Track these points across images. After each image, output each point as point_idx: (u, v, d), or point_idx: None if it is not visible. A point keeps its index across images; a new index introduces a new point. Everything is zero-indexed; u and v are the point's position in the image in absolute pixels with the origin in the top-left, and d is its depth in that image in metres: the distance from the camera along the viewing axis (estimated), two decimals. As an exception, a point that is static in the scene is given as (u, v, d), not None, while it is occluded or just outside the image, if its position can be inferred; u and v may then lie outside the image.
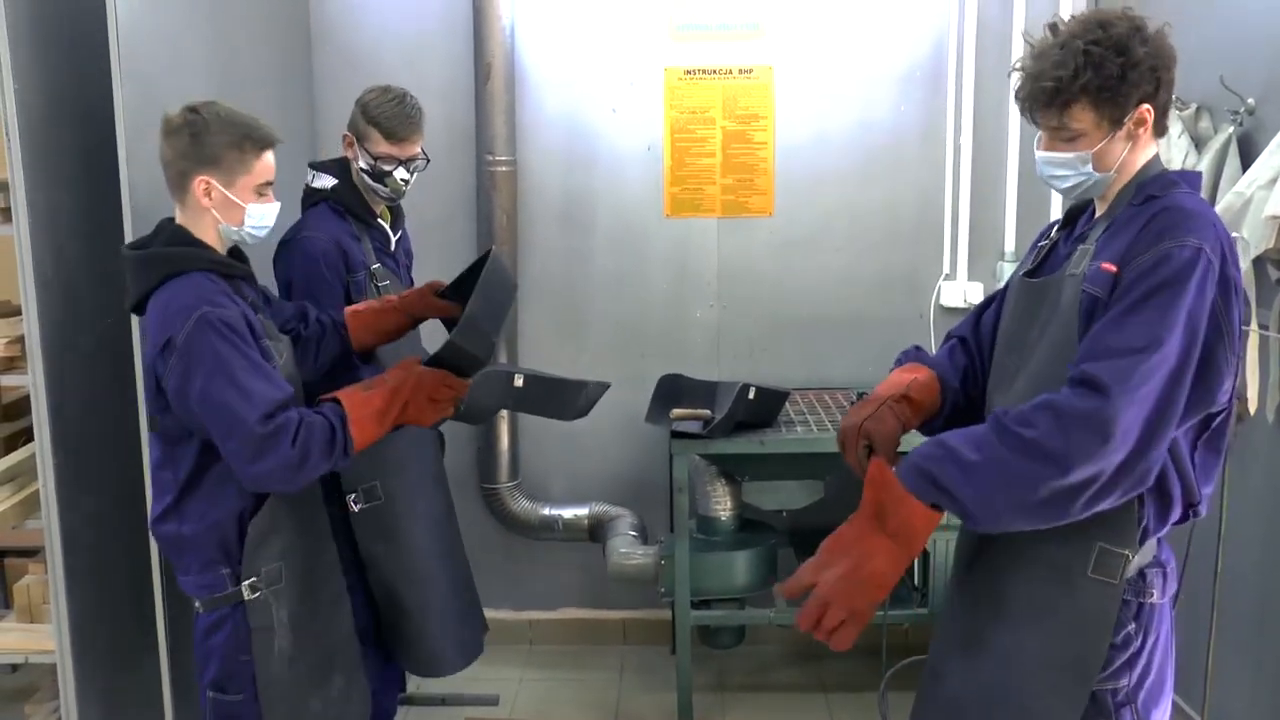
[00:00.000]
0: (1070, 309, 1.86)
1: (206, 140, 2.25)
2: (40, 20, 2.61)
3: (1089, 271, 1.85)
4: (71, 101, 2.71)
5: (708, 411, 3.62)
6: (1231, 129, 2.83)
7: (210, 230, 2.32)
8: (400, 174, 2.94)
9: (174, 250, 2.29)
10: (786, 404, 3.76)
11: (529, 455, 4.26)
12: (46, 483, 2.63)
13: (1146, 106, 1.84)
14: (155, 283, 2.26)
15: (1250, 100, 2.80)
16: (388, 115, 2.90)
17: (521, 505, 4.21)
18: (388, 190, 2.96)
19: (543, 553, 4.32)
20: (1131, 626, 1.87)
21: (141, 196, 2.63)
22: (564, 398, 2.73)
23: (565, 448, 4.24)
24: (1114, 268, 1.80)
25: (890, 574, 1.81)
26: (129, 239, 2.58)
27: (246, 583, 2.30)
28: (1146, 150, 1.90)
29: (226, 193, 2.28)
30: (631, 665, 4.21)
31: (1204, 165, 2.87)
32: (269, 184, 2.34)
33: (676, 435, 3.57)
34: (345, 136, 2.96)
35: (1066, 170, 1.90)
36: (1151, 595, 1.88)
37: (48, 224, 2.61)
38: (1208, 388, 1.78)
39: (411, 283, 3.17)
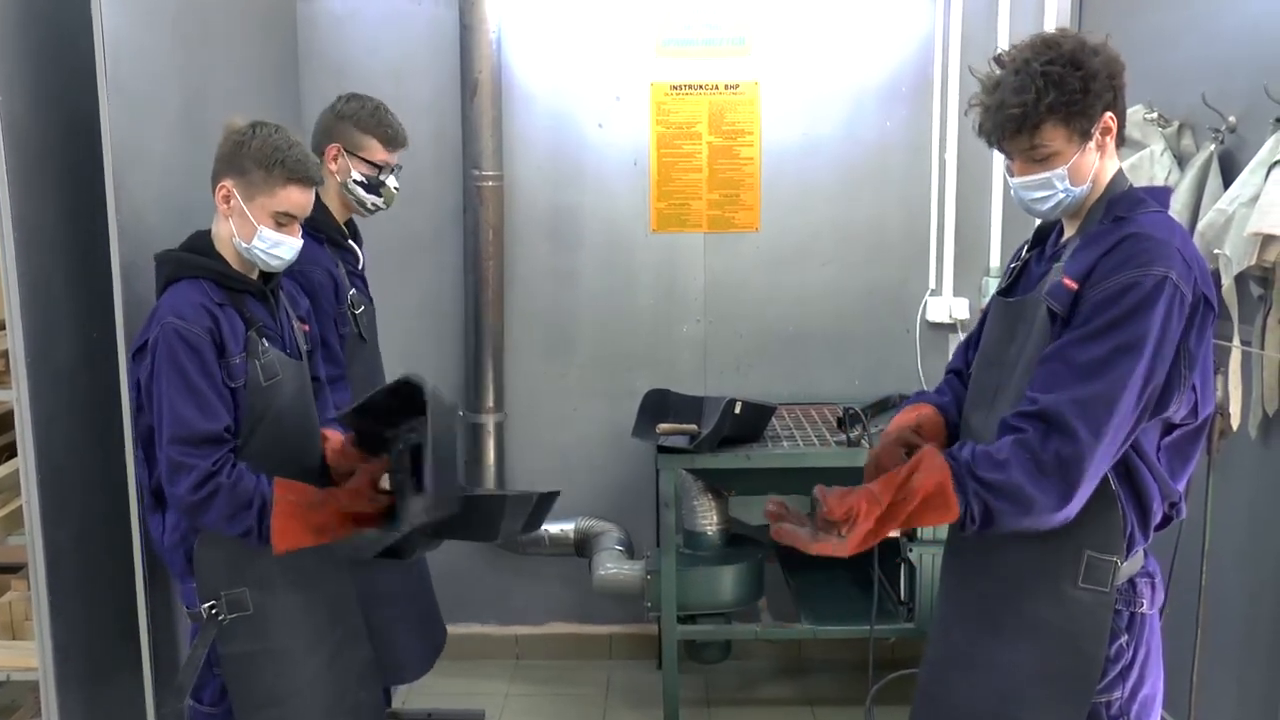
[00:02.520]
0: (1043, 328, 1.89)
1: (243, 151, 2.32)
2: (27, 34, 2.61)
3: (1050, 286, 1.88)
4: (58, 115, 2.70)
5: (694, 426, 3.62)
6: (1213, 147, 2.85)
7: (227, 247, 2.38)
8: (392, 181, 2.94)
9: (183, 255, 2.36)
10: (773, 419, 3.76)
11: (516, 470, 4.26)
12: (30, 499, 2.61)
13: (1110, 115, 1.89)
14: (162, 285, 2.34)
15: (1231, 118, 2.82)
16: (385, 123, 2.91)
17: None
18: (381, 199, 2.94)
19: (529, 567, 4.31)
20: (1124, 638, 1.89)
21: (128, 210, 2.62)
22: (485, 517, 2.40)
23: (552, 463, 4.23)
24: (1074, 285, 1.83)
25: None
26: (115, 253, 2.57)
27: (204, 605, 2.31)
28: (1110, 163, 1.94)
29: (244, 205, 2.32)
30: (618, 680, 4.19)
31: (1186, 182, 2.89)
32: (291, 217, 2.36)
33: (663, 450, 3.57)
34: (329, 150, 2.91)
35: (1044, 191, 1.92)
36: (1142, 605, 1.90)
37: (33, 237, 2.60)
38: (1157, 404, 1.82)
39: (371, 299, 3.11)
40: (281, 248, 2.37)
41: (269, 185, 2.32)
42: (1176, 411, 1.85)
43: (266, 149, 2.31)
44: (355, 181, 2.90)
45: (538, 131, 4.13)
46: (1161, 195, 1.96)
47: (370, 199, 2.93)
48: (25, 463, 2.60)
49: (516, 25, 4.06)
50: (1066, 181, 1.90)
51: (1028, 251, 2.10)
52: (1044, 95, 1.83)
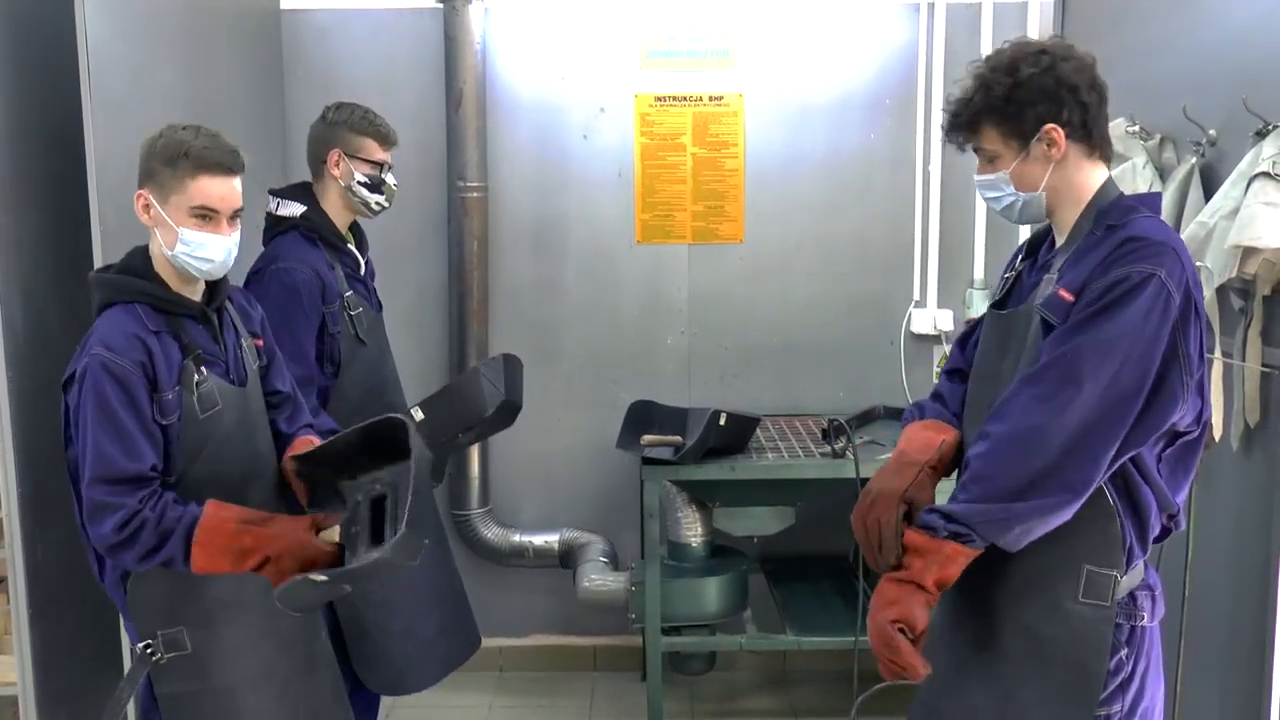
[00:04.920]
0: (1036, 341, 1.89)
1: (151, 154, 2.17)
2: (9, 44, 2.60)
3: (1045, 298, 1.89)
4: (42, 126, 2.69)
5: (679, 438, 3.62)
6: (1194, 159, 2.87)
7: (162, 263, 2.22)
8: (391, 179, 2.99)
9: (116, 277, 2.21)
10: (758, 430, 3.77)
11: (500, 481, 4.25)
12: (10, 512, 2.59)
13: (1051, 126, 1.87)
14: (97, 309, 2.20)
15: (1212, 131, 2.84)
16: (377, 122, 2.96)
17: (492, 532, 4.19)
18: (383, 198, 2.98)
19: (513, 579, 4.29)
20: (1125, 651, 1.88)
21: (111, 222, 2.61)
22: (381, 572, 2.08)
23: (536, 474, 4.23)
24: (1071, 297, 1.84)
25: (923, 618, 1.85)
26: (98, 264, 2.56)
27: (140, 644, 2.20)
28: (1090, 174, 1.93)
29: (161, 210, 2.15)
30: (602, 692, 4.18)
31: (1168, 195, 2.91)
32: (212, 210, 2.16)
33: (647, 461, 3.57)
34: (330, 156, 2.93)
35: (995, 191, 1.98)
36: (1142, 618, 1.90)
37: (15, 248, 2.59)
38: (1158, 410, 1.80)
39: (380, 306, 3.14)
40: (207, 248, 2.17)
41: (178, 181, 2.14)
42: (1182, 419, 1.84)
43: (170, 145, 2.15)
44: (359, 183, 2.93)
45: (522, 142, 4.13)
46: (1152, 201, 1.96)
47: (374, 198, 2.96)
48: (6, 476, 2.58)
49: (501, 37, 4.07)
50: (1010, 186, 1.94)
51: (1021, 261, 2.10)
52: (974, 97, 1.91)
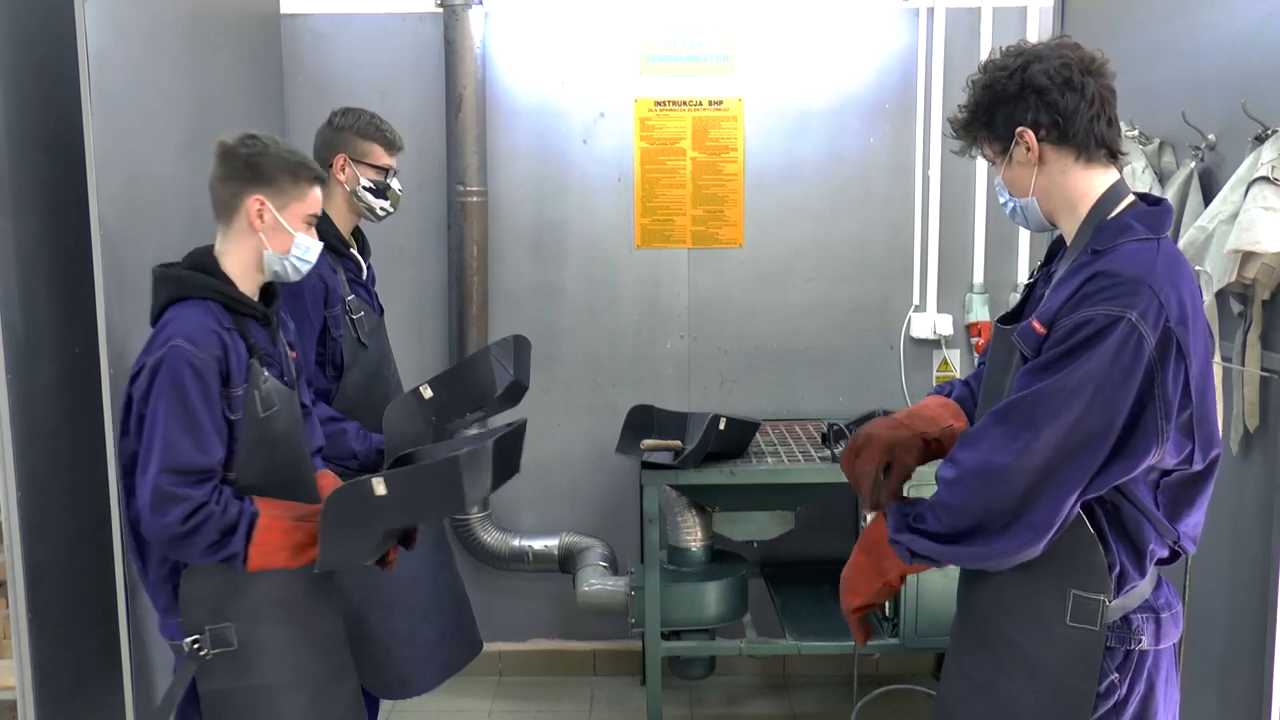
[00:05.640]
0: (1017, 367, 1.88)
1: (263, 162, 2.27)
2: (10, 49, 2.60)
3: (1021, 327, 1.88)
4: (41, 130, 2.69)
5: (678, 442, 3.62)
6: (1193, 164, 2.87)
7: (246, 260, 2.30)
8: (396, 184, 3.03)
9: (186, 274, 2.27)
10: (757, 435, 3.77)
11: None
12: (9, 515, 2.59)
13: (1021, 128, 1.87)
14: (163, 304, 2.26)
15: (1211, 136, 2.85)
16: (383, 128, 3.00)
17: (492, 536, 4.19)
18: (388, 203, 3.01)
19: (513, 584, 4.29)
20: (1115, 675, 1.86)
21: (111, 225, 2.61)
22: (452, 480, 2.20)
23: (536, 479, 4.22)
24: (1042, 329, 1.82)
25: (863, 588, 2.01)
26: (98, 269, 2.56)
27: (188, 640, 2.23)
28: (1083, 179, 1.89)
29: (278, 215, 2.28)
30: (601, 696, 4.18)
31: (1168, 199, 2.91)
32: (315, 218, 2.35)
33: (647, 466, 3.57)
34: (336, 161, 2.94)
35: (1001, 196, 2.00)
36: (1140, 642, 1.87)
37: (15, 251, 2.58)
38: (1130, 454, 1.76)
39: (381, 310, 3.16)
40: (312, 251, 2.36)
41: (298, 189, 2.30)
42: (1163, 460, 1.80)
43: (287, 155, 2.29)
44: (365, 188, 2.97)
45: (522, 147, 4.13)
46: (1155, 220, 1.86)
47: (380, 203, 3.00)
48: (5, 479, 2.58)
49: (501, 41, 4.07)
50: (1006, 189, 1.96)
51: (1040, 269, 2.07)
52: (965, 103, 1.94)
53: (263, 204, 2.26)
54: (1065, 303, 1.80)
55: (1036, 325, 1.83)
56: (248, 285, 2.32)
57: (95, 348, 2.62)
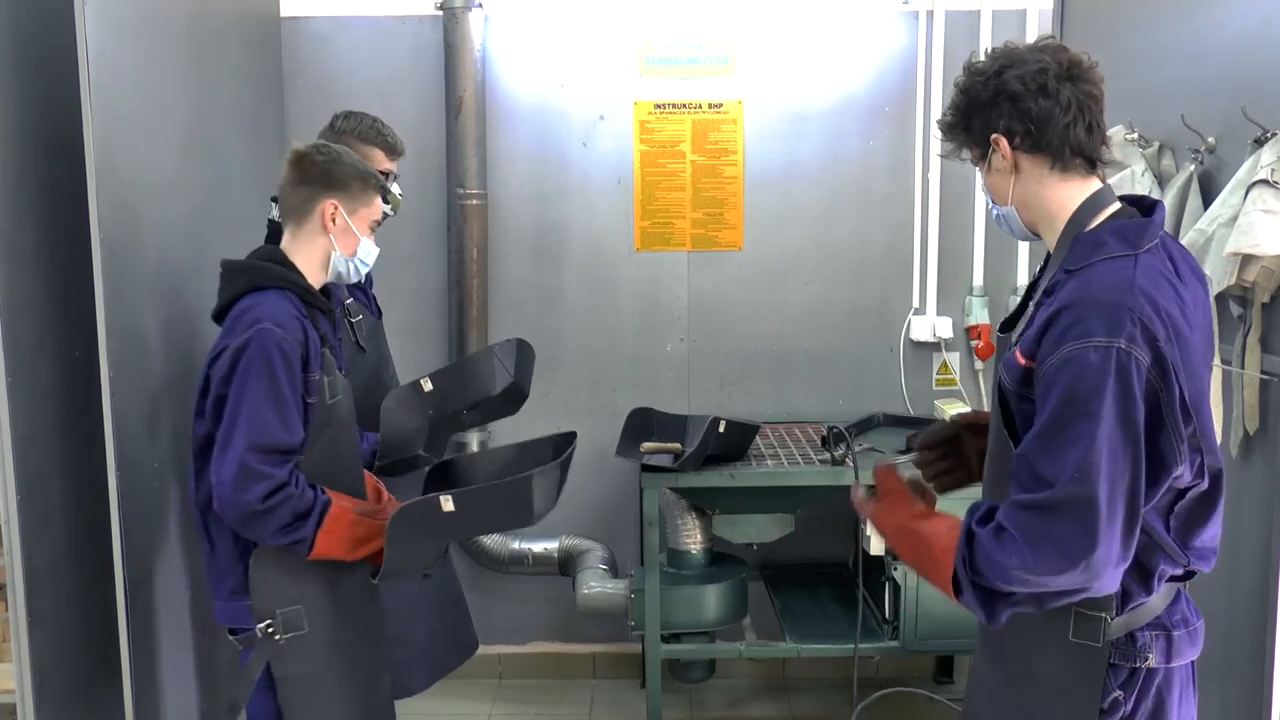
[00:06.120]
0: (997, 397, 1.86)
1: (337, 169, 2.41)
2: (10, 52, 2.60)
3: (1006, 358, 1.84)
4: (41, 132, 2.69)
5: (678, 445, 3.62)
6: (1193, 167, 2.87)
7: (315, 260, 2.43)
8: (396, 188, 3.06)
9: (265, 265, 2.38)
10: (757, 438, 3.77)
11: (499, 488, 4.24)
12: (9, 518, 2.58)
13: (995, 135, 1.84)
14: (239, 292, 2.35)
15: (1210, 139, 2.85)
16: (384, 132, 3.04)
17: (492, 539, 4.19)
18: (388, 206, 3.02)
19: (513, 586, 4.29)
20: (1119, 693, 1.84)
21: (111, 228, 2.61)
22: (514, 501, 2.42)
23: (535, 481, 4.22)
24: (1025, 361, 1.78)
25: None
26: (99, 272, 2.56)
27: (261, 624, 2.29)
28: (1059, 190, 1.84)
29: (349, 220, 2.42)
30: (601, 699, 4.18)
31: (1166, 202, 2.91)
32: (378, 224, 2.51)
33: (647, 469, 3.57)
34: None
35: (987, 202, 1.98)
36: (1146, 660, 1.84)
37: (14, 255, 2.58)
38: (1151, 479, 1.72)
39: (379, 312, 3.17)
40: (372, 255, 2.50)
41: (367, 196, 2.45)
42: (1180, 478, 1.76)
43: (358, 164, 2.45)
44: None
45: (522, 150, 4.14)
46: (1132, 233, 1.78)
47: (380, 206, 2.99)
48: (4, 482, 2.58)
49: (501, 44, 4.08)
50: (989, 197, 1.94)
51: (1040, 271, 2.06)
52: (949, 107, 1.93)
53: (336, 208, 2.40)
54: (1043, 335, 1.75)
55: (1019, 357, 1.79)
56: (313, 283, 2.45)
57: (95, 350, 2.62)
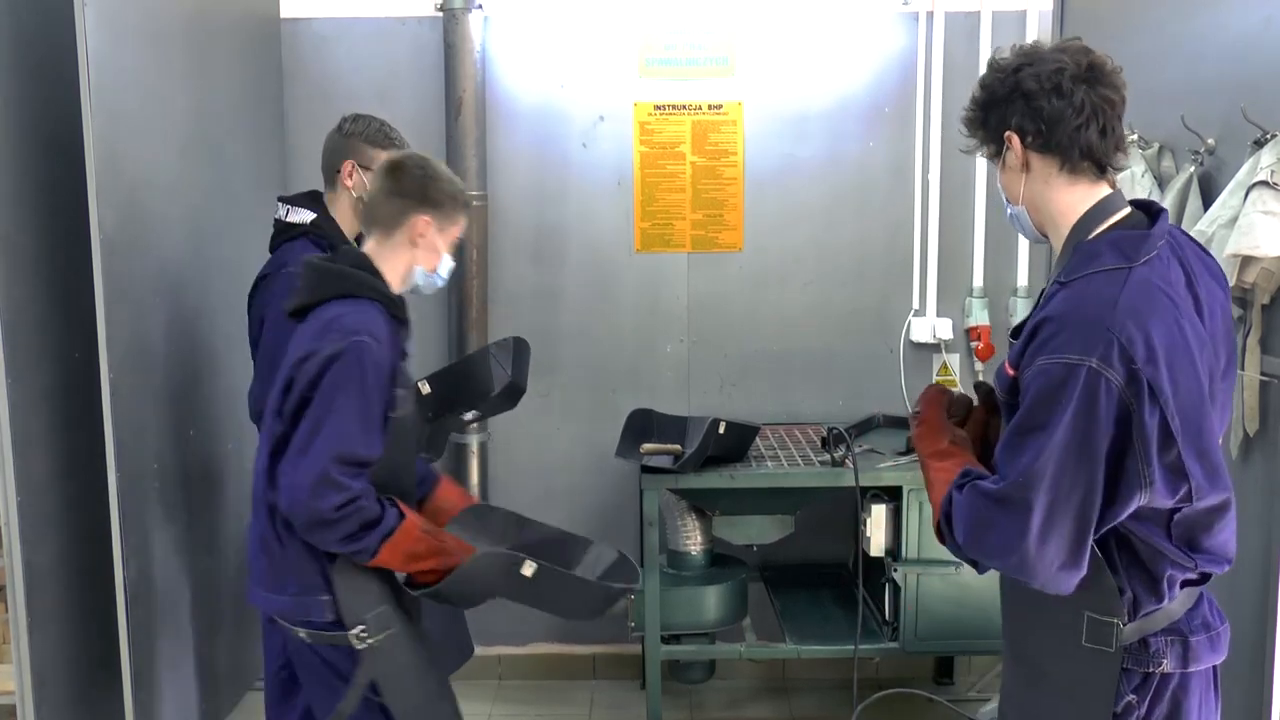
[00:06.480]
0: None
1: (434, 187, 2.42)
2: (10, 54, 2.60)
3: (997, 369, 1.91)
4: (40, 134, 2.69)
5: (678, 446, 3.62)
6: (1193, 168, 2.88)
7: (398, 271, 2.42)
8: None
9: (359, 273, 2.37)
10: (757, 439, 3.77)
11: (499, 489, 4.24)
12: (9, 520, 2.59)
13: (1009, 133, 1.85)
14: (327, 296, 2.34)
15: (1210, 140, 2.85)
16: (392, 138, 3.01)
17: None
18: None
19: (512, 588, 4.28)
20: (1132, 697, 1.84)
21: (111, 230, 2.61)
22: (576, 597, 2.51)
23: (535, 482, 4.22)
24: (1011, 371, 1.83)
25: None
26: (98, 272, 2.56)
27: (354, 630, 2.30)
28: (1067, 193, 1.85)
29: (438, 237, 2.43)
30: (601, 700, 4.18)
31: (1166, 204, 2.91)
32: (457, 243, 2.53)
33: (646, 470, 3.57)
34: (344, 166, 2.95)
35: (1004, 199, 1.98)
36: (1161, 665, 1.83)
37: (13, 256, 2.58)
38: (1114, 499, 1.74)
39: None
40: (449, 271, 2.53)
41: (456, 215, 2.47)
42: (1153, 501, 1.76)
43: (454, 181, 2.47)
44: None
45: (522, 151, 4.13)
46: (1131, 245, 1.78)
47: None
48: (5, 483, 2.58)
49: (501, 45, 4.08)
50: (1003, 195, 1.95)
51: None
52: (970, 101, 1.94)
53: (428, 224, 2.41)
54: (1029, 348, 1.77)
55: (1007, 368, 1.85)
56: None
57: (95, 351, 2.63)
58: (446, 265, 2.51)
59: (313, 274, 2.39)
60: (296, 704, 2.50)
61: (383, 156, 2.98)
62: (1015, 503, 1.74)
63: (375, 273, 2.39)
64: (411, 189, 2.41)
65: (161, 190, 2.96)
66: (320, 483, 2.18)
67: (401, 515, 2.28)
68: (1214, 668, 1.92)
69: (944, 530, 1.88)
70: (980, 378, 4.20)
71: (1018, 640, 1.99)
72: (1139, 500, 1.74)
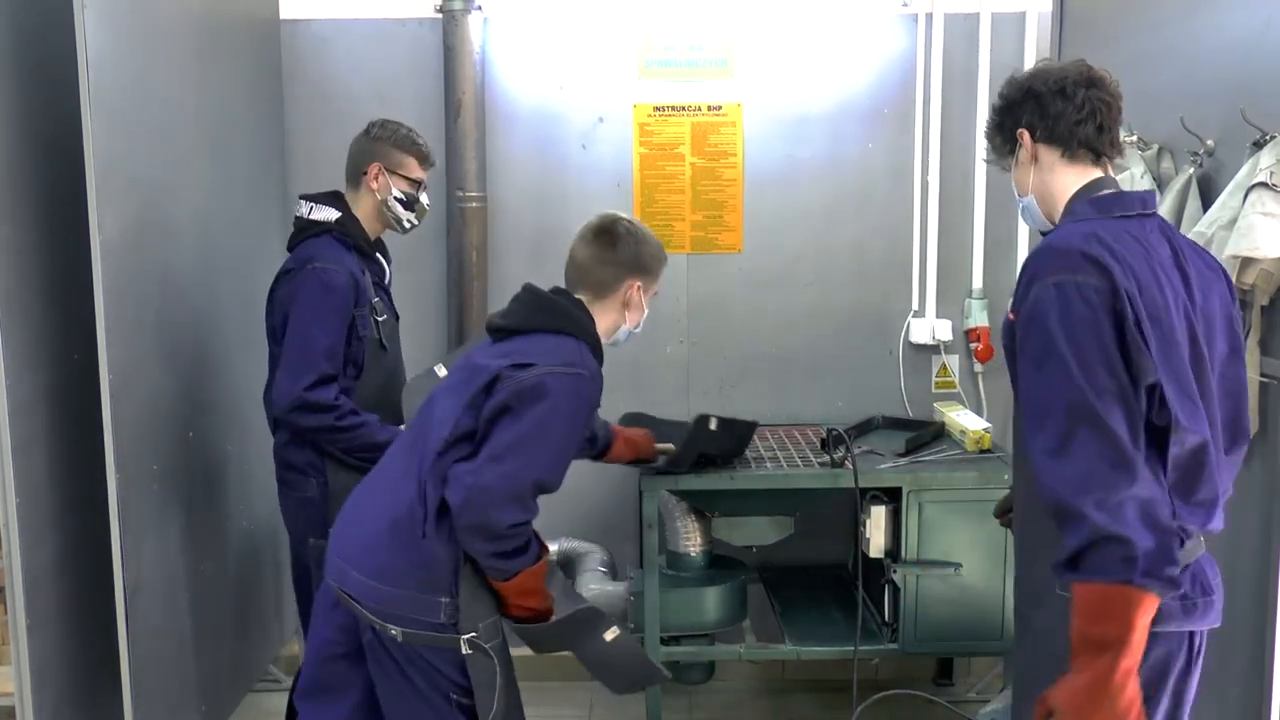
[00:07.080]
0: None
1: (646, 253, 2.61)
2: (10, 55, 2.60)
3: (1005, 318, 2.05)
4: (40, 135, 2.69)
5: (673, 447, 3.61)
6: (1192, 170, 2.88)
7: (609, 325, 2.59)
8: (424, 198, 3.11)
9: (580, 316, 2.50)
10: (756, 440, 3.76)
11: (498, 491, 4.24)
12: (8, 521, 2.59)
13: (1021, 130, 2.10)
14: (547, 327, 2.46)
15: (1210, 142, 2.85)
16: (419, 142, 3.09)
17: (490, 541, 4.18)
18: (414, 215, 3.10)
19: (511, 589, 4.28)
20: None
21: (110, 232, 2.61)
22: (631, 668, 2.68)
23: (535, 483, 4.22)
24: (1012, 315, 1.97)
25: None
26: (98, 274, 2.56)
27: (466, 636, 2.35)
28: (1065, 176, 2.08)
29: (644, 299, 2.62)
30: (601, 702, 4.18)
31: (1166, 205, 2.91)
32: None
33: (646, 471, 3.57)
34: (370, 169, 3.02)
35: (1016, 198, 2.20)
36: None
37: (12, 258, 2.59)
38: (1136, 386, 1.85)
39: (397, 315, 3.21)
40: (641, 329, 2.69)
41: (659, 276, 2.66)
42: (1158, 410, 1.87)
43: (659, 245, 2.66)
44: (395, 199, 3.06)
45: (521, 152, 4.14)
46: (1104, 202, 2.03)
47: (407, 215, 3.09)
48: (4, 485, 2.58)
49: (500, 46, 4.08)
50: (1015, 190, 2.17)
51: None
52: (990, 114, 2.20)
53: (640, 289, 2.60)
54: (1015, 299, 1.95)
55: (1009, 314, 1.99)
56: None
57: (94, 353, 2.63)
58: (643, 321, 2.68)
59: (534, 301, 2.52)
60: (347, 696, 2.48)
61: (410, 162, 3.05)
62: (1081, 417, 1.80)
63: (593, 322, 2.53)
64: (627, 258, 2.57)
65: (161, 191, 2.96)
66: (513, 498, 2.28)
67: (540, 553, 2.41)
68: (1193, 634, 2.03)
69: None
70: (980, 379, 4.21)
71: (1027, 593, 2.13)
72: (1152, 375, 1.84)
